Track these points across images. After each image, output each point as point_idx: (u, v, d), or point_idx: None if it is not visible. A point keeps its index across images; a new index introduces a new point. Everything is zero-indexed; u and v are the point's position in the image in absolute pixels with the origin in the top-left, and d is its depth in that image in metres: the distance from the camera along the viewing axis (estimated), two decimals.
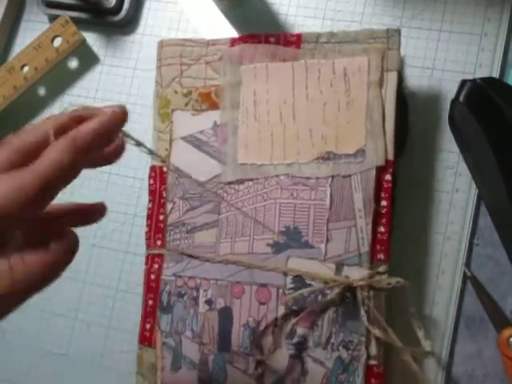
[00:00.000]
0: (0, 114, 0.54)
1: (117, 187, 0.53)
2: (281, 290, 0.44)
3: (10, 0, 0.57)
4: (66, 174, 0.29)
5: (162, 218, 0.48)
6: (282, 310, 0.43)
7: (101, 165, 0.34)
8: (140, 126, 0.53)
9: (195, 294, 0.46)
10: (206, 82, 0.48)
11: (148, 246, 0.48)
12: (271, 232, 0.44)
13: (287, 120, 0.46)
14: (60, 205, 0.33)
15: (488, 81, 0.43)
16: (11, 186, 0.27)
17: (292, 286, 0.43)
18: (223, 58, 0.48)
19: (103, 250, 0.52)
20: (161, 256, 0.48)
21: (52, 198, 0.29)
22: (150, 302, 0.47)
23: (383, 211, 0.43)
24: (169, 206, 0.48)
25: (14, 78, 0.54)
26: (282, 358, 0.43)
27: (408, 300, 0.42)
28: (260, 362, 0.43)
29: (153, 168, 0.49)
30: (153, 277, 0.48)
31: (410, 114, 0.47)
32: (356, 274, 0.42)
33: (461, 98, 0.43)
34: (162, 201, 0.48)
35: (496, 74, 0.46)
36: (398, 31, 0.45)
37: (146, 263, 0.48)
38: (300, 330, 0.43)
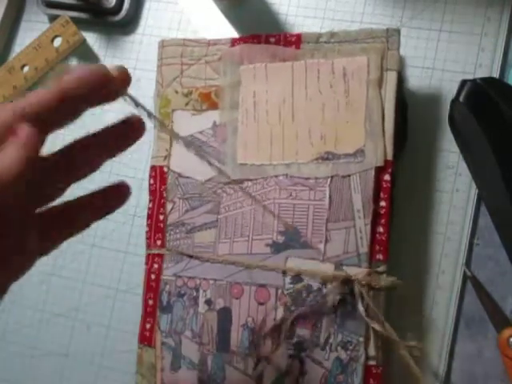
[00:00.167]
0: None
1: None
2: (280, 291, 0.44)
3: (10, 0, 0.57)
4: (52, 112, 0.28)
5: (162, 217, 0.48)
6: (281, 311, 0.43)
7: (123, 145, 0.33)
8: None
9: (195, 294, 0.46)
10: (207, 82, 0.48)
11: (148, 246, 0.48)
12: (282, 224, 0.44)
13: (286, 120, 0.46)
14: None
15: (488, 81, 0.43)
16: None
17: (291, 286, 0.43)
18: (223, 58, 0.48)
19: (103, 250, 0.52)
20: (161, 256, 0.48)
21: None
22: (150, 302, 0.47)
23: (382, 212, 0.43)
24: (169, 205, 0.48)
25: (14, 78, 0.54)
26: (280, 358, 0.43)
27: (407, 300, 0.42)
28: (259, 362, 0.43)
29: (153, 168, 0.49)
30: (153, 276, 0.48)
31: (410, 113, 0.47)
32: (355, 274, 0.42)
33: (461, 98, 0.43)
34: (162, 201, 0.48)
35: (496, 74, 0.46)
36: (398, 31, 0.44)
37: (146, 263, 0.48)
38: (299, 331, 0.43)
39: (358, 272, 0.42)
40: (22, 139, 0.26)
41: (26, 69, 0.54)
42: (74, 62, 0.55)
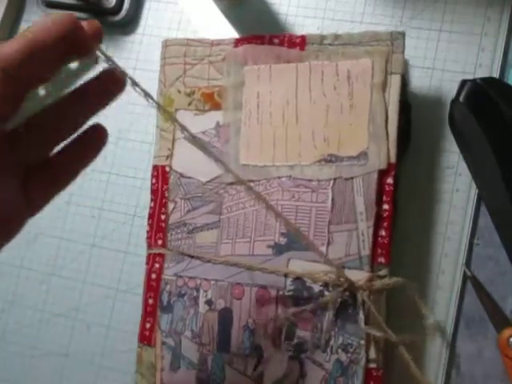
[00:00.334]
0: None
1: (117, 187, 0.53)
2: (281, 292, 0.43)
3: (10, 0, 0.57)
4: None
5: (163, 217, 0.48)
6: (281, 312, 0.43)
7: (104, 99, 0.32)
8: (140, 125, 0.53)
9: (195, 294, 0.46)
10: (210, 82, 0.48)
11: (149, 246, 0.48)
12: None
13: (290, 122, 0.46)
14: None
15: (488, 81, 0.43)
16: None
17: (292, 287, 0.43)
18: (227, 59, 0.48)
19: (103, 250, 0.52)
20: (162, 256, 0.48)
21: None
22: (151, 301, 0.47)
23: (385, 215, 0.43)
24: (170, 205, 0.48)
25: None
26: (281, 359, 0.43)
27: (409, 299, 0.42)
28: (259, 363, 0.43)
29: (155, 167, 0.49)
30: (153, 276, 0.48)
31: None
32: (356, 277, 0.42)
33: (461, 98, 0.43)
34: (164, 200, 0.48)
35: (496, 74, 0.46)
36: (403, 34, 0.44)
37: (147, 262, 0.48)
38: (299, 332, 0.43)
39: (359, 275, 0.42)
40: None
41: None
42: (74, 62, 0.55)
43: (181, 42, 0.49)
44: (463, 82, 0.43)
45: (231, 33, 0.52)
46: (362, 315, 0.41)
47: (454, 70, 0.47)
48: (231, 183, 0.46)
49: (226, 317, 0.45)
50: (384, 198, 0.43)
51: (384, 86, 0.44)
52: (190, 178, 0.48)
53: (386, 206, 0.43)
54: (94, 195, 0.53)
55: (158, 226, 0.48)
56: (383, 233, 0.43)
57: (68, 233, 0.53)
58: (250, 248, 0.45)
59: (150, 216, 0.49)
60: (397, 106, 0.44)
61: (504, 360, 0.42)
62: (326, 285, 0.43)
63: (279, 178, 0.45)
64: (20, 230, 0.30)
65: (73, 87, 0.31)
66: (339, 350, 0.42)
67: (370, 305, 0.41)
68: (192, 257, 0.46)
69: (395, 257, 0.43)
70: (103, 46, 0.58)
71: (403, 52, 0.44)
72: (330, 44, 0.46)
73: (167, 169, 0.48)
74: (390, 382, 0.43)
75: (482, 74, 0.47)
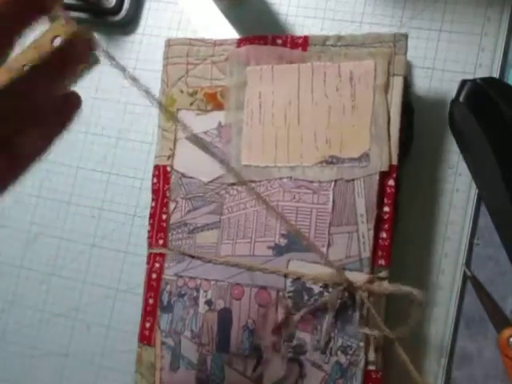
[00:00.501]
0: None
1: (117, 187, 0.53)
2: (281, 293, 0.43)
3: None
4: None
5: (164, 217, 0.48)
6: (281, 313, 0.43)
7: (70, 69, 0.30)
8: (140, 125, 0.53)
9: (195, 294, 0.46)
10: (212, 82, 0.48)
11: (150, 245, 0.48)
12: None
13: (292, 122, 0.46)
14: None
15: (488, 81, 0.43)
16: None
17: (292, 288, 0.43)
18: (229, 59, 0.48)
19: (103, 250, 0.52)
20: (162, 255, 0.48)
21: None
22: (151, 301, 0.47)
23: (385, 217, 0.43)
24: (171, 205, 0.48)
25: None
26: (280, 360, 0.43)
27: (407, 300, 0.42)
28: (258, 364, 0.43)
29: (157, 167, 0.49)
30: (154, 276, 0.48)
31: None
32: (356, 279, 0.42)
33: (461, 98, 0.43)
34: (165, 200, 0.48)
35: (496, 74, 0.46)
36: (406, 36, 0.44)
37: (148, 262, 0.48)
38: (299, 334, 0.43)
39: (359, 277, 0.42)
40: None
41: (25, 69, 0.54)
42: None
43: (183, 42, 0.49)
44: (463, 82, 0.43)
45: (231, 33, 0.52)
46: (361, 317, 0.41)
47: (454, 70, 0.47)
48: (232, 184, 0.46)
49: (225, 317, 0.45)
50: (385, 200, 0.43)
51: (386, 87, 0.44)
52: (191, 178, 0.48)
53: (386, 209, 0.43)
54: (94, 195, 0.53)
55: (159, 226, 0.48)
56: (384, 235, 0.42)
57: (68, 233, 0.53)
58: (251, 249, 0.45)
59: (151, 216, 0.49)
60: (399, 108, 0.44)
61: (504, 360, 0.42)
62: (325, 286, 0.42)
63: (280, 178, 0.45)
64: None
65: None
66: (339, 352, 0.42)
67: (369, 306, 0.41)
68: (192, 257, 0.46)
69: (396, 257, 0.43)
70: (103, 46, 0.58)
71: (406, 54, 0.44)
72: (332, 45, 0.46)
73: (168, 169, 0.48)
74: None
75: (482, 74, 0.47)
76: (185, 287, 0.46)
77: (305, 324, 0.43)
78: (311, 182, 0.44)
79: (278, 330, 0.43)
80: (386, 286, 0.41)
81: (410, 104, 0.46)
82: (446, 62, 0.48)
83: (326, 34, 0.47)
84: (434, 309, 0.45)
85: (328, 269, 0.42)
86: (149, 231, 0.48)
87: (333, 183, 0.44)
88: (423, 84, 0.48)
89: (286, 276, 0.43)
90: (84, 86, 0.57)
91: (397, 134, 0.43)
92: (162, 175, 0.49)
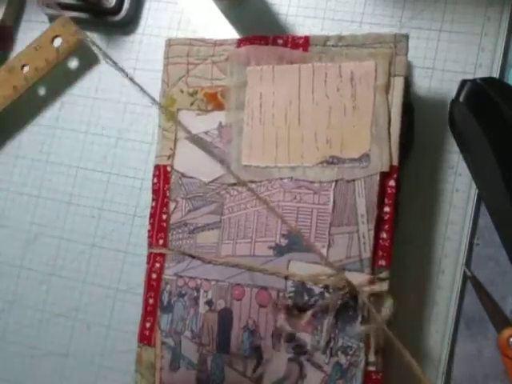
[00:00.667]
0: (0, 113, 0.54)
1: (117, 187, 0.53)
2: (281, 294, 0.43)
3: (10, 0, 0.57)
4: None
5: (164, 217, 0.48)
6: (281, 313, 0.43)
7: None
8: (140, 125, 0.53)
9: (195, 294, 0.46)
10: (213, 82, 0.48)
11: (150, 245, 0.48)
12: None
13: (292, 123, 0.46)
14: None
15: (488, 81, 0.43)
16: None
17: (293, 289, 0.43)
18: (230, 59, 0.48)
19: (103, 250, 0.52)
20: (162, 255, 0.48)
21: None
22: (151, 301, 0.47)
23: (386, 217, 0.43)
24: (172, 205, 0.48)
25: (14, 78, 0.54)
26: (280, 361, 0.43)
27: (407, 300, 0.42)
28: (259, 364, 0.43)
29: (157, 167, 0.49)
30: (154, 276, 0.48)
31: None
32: (357, 280, 0.42)
33: (461, 98, 0.43)
34: (166, 200, 0.48)
35: (496, 74, 0.46)
36: (406, 36, 0.44)
37: (148, 262, 0.48)
38: (299, 334, 0.43)
39: (360, 277, 0.42)
40: None
41: (25, 69, 0.54)
42: (74, 63, 0.55)
43: (184, 42, 0.49)
44: (463, 82, 0.43)
45: (231, 33, 0.52)
46: (361, 317, 0.41)
47: (454, 69, 0.47)
48: (233, 184, 0.46)
49: (225, 317, 0.45)
50: (386, 200, 0.43)
51: (387, 88, 0.44)
52: (191, 177, 0.48)
53: (387, 209, 0.43)
54: (94, 195, 0.53)
55: (159, 226, 0.48)
56: (384, 235, 0.42)
57: (68, 233, 0.53)
58: (251, 249, 0.45)
59: (152, 215, 0.49)
60: (400, 109, 0.43)
61: (504, 360, 0.42)
62: (326, 287, 0.42)
63: (281, 179, 0.45)
64: None
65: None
66: (339, 353, 0.42)
67: (370, 307, 0.41)
68: (193, 257, 0.46)
69: (396, 258, 0.43)
70: (103, 46, 0.58)
71: (406, 54, 0.44)
72: (333, 45, 0.46)
73: (169, 168, 0.48)
74: None
75: (482, 74, 0.47)
76: (185, 287, 0.46)
77: (305, 324, 0.43)
78: (312, 182, 0.44)
79: (279, 331, 0.43)
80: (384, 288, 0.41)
81: (411, 104, 0.46)
82: (446, 62, 0.48)
83: (326, 33, 0.47)
84: (433, 309, 0.45)
85: (328, 269, 0.42)
86: (149, 231, 0.48)
87: (333, 183, 0.44)
88: (423, 84, 0.48)
89: (286, 277, 0.43)
90: (84, 86, 0.58)
91: (397, 134, 0.43)
92: (163, 175, 0.49)
